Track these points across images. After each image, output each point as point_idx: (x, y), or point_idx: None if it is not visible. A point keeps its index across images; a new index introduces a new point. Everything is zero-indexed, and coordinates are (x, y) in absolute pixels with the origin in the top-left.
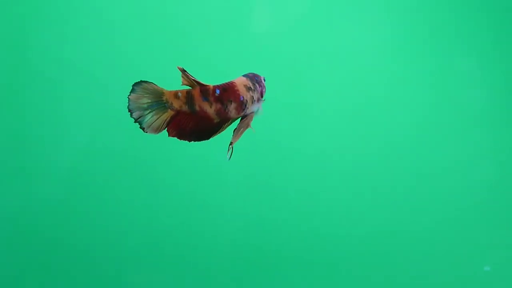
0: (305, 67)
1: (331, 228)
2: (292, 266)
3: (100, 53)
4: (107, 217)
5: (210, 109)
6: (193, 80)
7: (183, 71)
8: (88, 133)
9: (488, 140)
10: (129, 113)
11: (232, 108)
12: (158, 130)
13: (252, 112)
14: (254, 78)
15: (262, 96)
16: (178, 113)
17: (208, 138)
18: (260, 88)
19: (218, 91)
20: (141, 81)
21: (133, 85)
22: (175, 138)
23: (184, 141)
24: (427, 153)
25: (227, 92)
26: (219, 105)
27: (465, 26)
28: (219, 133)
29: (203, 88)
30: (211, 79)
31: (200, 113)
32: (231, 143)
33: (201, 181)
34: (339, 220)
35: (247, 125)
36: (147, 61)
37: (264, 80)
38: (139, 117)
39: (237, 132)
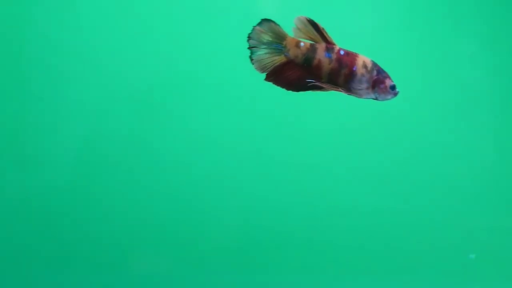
0: None
1: (335, 209)
2: (295, 247)
3: (102, 44)
4: (111, 204)
5: (327, 66)
6: (326, 35)
7: (316, 24)
8: (90, 122)
9: (487, 125)
10: (247, 39)
11: (343, 73)
12: (263, 69)
13: (353, 91)
14: (378, 68)
15: (372, 88)
16: (289, 61)
17: (301, 90)
18: (375, 78)
19: (342, 52)
20: (270, 20)
21: (262, 19)
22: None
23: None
24: (426, 138)
25: (348, 57)
26: (336, 65)
27: (466, 10)
28: (315, 90)
29: (330, 45)
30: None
31: (314, 68)
32: (321, 81)
33: (204, 166)
34: (342, 204)
35: (339, 90)
36: (149, 53)
37: (393, 92)
38: (254, 47)
39: (331, 85)
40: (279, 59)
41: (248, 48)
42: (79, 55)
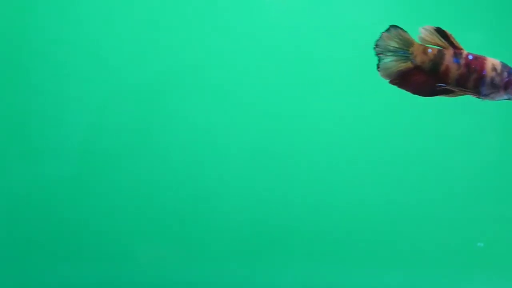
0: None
1: (338, 200)
2: (298, 239)
3: (105, 40)
4: (115, 193)
5: (455, 72)
6: (454, 41)
7: (444, 31)
8: (92, 118)
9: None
10: (374, 46)
11: (472, 79)
12: (389, 76)
13: (485, 94)
14: (509, 69)
15: (505, 89)
16: (416, 67)
17: (428, 96)
18: (507, 79)
19: (471, 57)
20: (398, 26)
21: (390, 26)
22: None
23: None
24: (432, 131)
25: (477, 61)
26: (464, 70)
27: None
28: (443, 96)
29: (458, 51)
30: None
31: (442, 74)
32: (447, 84)
33: (208, 155)
34: (345, 192)
35: (470, 93)
36: (152, 50)
37: None
38: (380, 54)
39: (462, 88)
40: (405, 65)
41: (376, 55)
42: (81, 51)
